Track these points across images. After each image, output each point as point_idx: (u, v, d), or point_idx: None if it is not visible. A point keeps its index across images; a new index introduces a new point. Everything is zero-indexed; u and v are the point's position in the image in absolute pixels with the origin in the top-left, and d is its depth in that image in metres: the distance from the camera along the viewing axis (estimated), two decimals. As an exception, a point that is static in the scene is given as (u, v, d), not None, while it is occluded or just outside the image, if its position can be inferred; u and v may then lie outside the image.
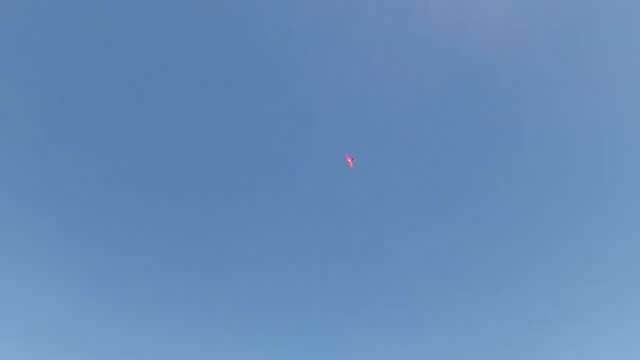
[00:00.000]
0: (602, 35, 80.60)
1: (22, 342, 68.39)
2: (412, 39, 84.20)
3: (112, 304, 75.46)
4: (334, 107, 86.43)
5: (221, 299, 79.04)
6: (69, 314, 73.15)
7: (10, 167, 78.75)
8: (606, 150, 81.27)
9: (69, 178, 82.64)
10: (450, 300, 78.60)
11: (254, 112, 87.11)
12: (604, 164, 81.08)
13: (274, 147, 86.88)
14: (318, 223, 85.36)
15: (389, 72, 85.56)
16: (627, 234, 77.35)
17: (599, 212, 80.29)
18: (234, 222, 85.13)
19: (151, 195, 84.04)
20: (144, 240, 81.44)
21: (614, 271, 75.92)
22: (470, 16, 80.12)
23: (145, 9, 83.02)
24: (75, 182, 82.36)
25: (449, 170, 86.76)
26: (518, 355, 71.05)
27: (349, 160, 62.11)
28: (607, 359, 68.81)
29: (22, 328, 69.80)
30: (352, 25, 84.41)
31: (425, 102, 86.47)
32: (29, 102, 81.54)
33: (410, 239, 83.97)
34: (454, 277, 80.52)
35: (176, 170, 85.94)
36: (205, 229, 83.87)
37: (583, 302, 75.05)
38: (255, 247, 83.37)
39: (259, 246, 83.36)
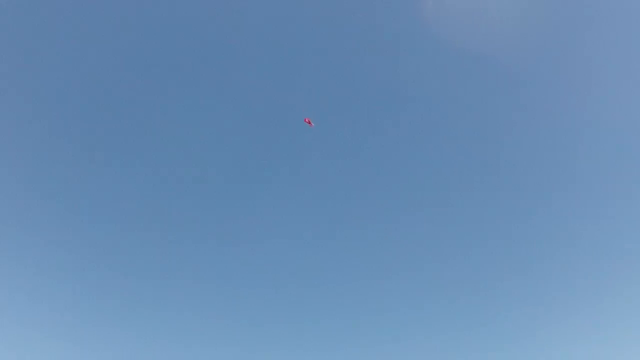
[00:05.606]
0: (602, 35, 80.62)
1: (21, 341, 68.43)
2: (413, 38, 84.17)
3: (109, 302, 75.50)
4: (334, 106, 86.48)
5: (221, 297, 79.11)
6: (68, 313, 73.21)
7: (9, 167, 78.76)
8: (607, 151, 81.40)
9: (68, 178, 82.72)
10: (449, 300, 78.79)
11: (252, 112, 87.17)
12: (605, 164, 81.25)
13: (271, 145, 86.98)
14: (318, 221, 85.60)
15: (388, 71, 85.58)
16: (628, 234, 77.56)
17: (599, 212, 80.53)
18: (234, 221, 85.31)
19: (151, 193, 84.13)
20: (144, 238, 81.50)
21: (614, 270, 76.11)
22: (470, 16, 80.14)
23: (144, 8, 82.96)
24: (75, 181, 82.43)
25: (449, 169, 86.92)
26: (517, 354, 71.23)
27: (309, 122, 60.05)
28: (606, 358, 69.03)
29: (21, 328, 69.84)
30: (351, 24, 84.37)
31: (426, 101, 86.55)
32: (28, 101, 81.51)
33: (409, 239, 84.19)
34: (454, 276, 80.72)
35: (175, 168, 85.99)
36: (204, 227, 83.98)
37: (582, 301, 75.34)
38: (255, 246, 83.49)
39: (258, 244, 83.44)
